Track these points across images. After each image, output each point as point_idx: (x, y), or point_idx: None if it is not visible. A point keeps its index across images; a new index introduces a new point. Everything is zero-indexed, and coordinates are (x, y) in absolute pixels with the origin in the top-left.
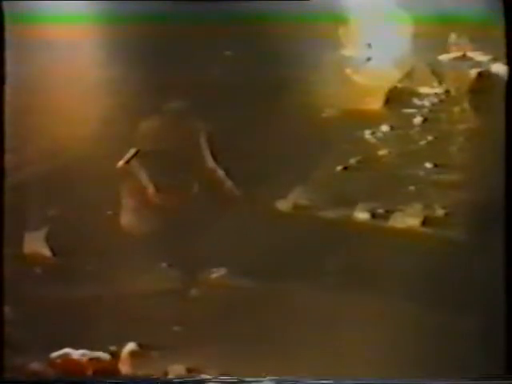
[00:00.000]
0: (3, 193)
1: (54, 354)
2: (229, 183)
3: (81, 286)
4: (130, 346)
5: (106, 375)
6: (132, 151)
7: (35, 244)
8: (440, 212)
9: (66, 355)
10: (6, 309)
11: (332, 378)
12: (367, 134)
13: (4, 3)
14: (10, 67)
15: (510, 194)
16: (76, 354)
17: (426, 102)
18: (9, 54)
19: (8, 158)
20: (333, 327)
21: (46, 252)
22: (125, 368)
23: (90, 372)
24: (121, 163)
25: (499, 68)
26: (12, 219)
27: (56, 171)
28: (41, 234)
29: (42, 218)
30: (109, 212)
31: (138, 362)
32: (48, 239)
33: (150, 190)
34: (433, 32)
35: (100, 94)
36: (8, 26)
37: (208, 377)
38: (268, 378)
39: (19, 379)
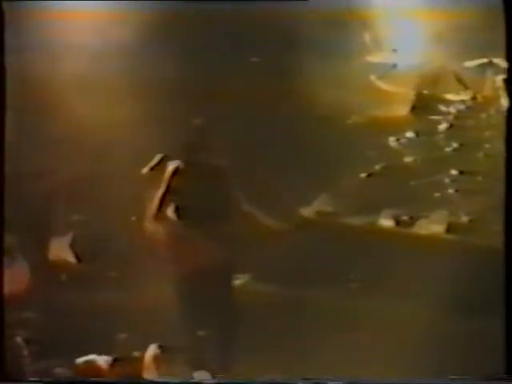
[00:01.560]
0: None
1: (79, 360)
2: (268, 221)
3: (105, 292)
4: (152, 349)
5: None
6: (157, 158)
7: (60, 250)
8: (465, 219)
9: (91, 361)
10: (32, 315)
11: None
12: (392, 140)
13: (4, 3)
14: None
15: None
16: (100, 359)
17: (452, 109)
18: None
19: (33, 164)
20: (356, 334)
21: (71, 258)
22: (149, 373)
23: (113, 377)
24: (146, 170)
25: None
26: (37, 225)
27: (81, 177)
28: (66, 240)
29: (67, 224)
30: (133, 218)
31: (162, 367)
32: (73, 245)
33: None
34: (458, 38)
35: (126, 99)
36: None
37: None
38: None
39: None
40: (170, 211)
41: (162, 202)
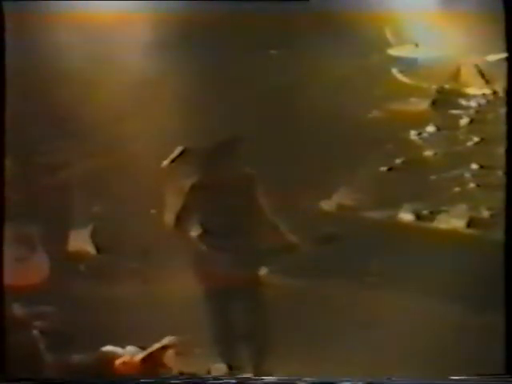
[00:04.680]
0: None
1: (97, 351)
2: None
3: (124, 282)
4: (169, 340)
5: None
6: (177, 151)
7: (80, 241)
8: (485, 213)
9: (109, 352)
10: (51, 305)
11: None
12: (413, 134)
13: (4, 3)
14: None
15: None
16: (118, 350)
17: (473, 103)
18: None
19: (54, 156)
20: (376, 326)
21: (91, 249)
22: (167, 365)
23: (131, 368)
24: (166, 162)
25: None
26: (57, 217)
27: (101, 170)
28: (86, 231)
29: (88, 215)
30: (152, 211)
31: (179, 359)
32: (93, 237)
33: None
34: (480, 32)
35: (147, 93)
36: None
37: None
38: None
39: (20, 378)
40: (193, 231)
41: (182, 217)
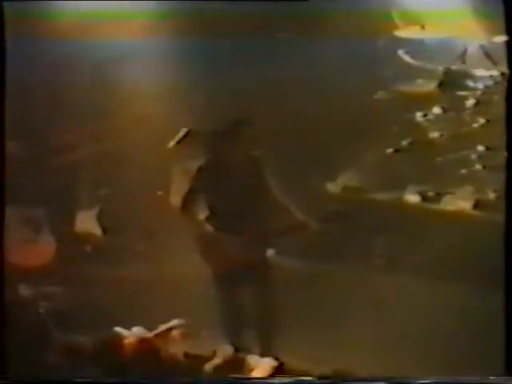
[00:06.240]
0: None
1: (103, 332)
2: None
3: (130, 265)
4: (176, 322)
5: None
6: (183, 131)
7: (87, 223)
8: (491, 195)
9: (115, 334)
10: (56, 288)
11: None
12: (419, 116)
13: (4, 3)
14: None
15: None
16: (124, 332)
17: (480, 85)
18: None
19: (61, 138)
20: (381, 308)
21: (97, 231)
22: (173, 347)
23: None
24: (172, 143)
25: None
26: (64, 198)
27: (108, 151)
28: (92, 213)
29: (94, 197)
30: (159, 192)
31: (186, 341)
32: (99, 218)
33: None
34: (487, 13)
35: (152, 74)
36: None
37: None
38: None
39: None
40: (201, 214)
41: (189, 199)
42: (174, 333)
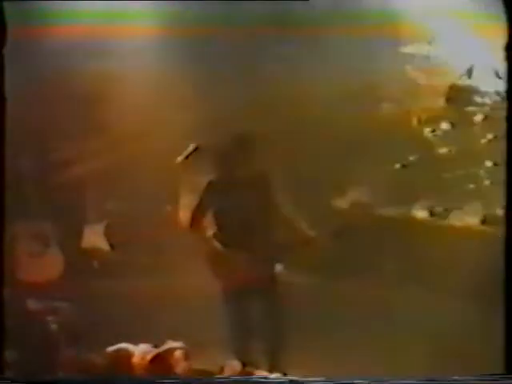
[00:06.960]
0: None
1: (110, 348)
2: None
3: (138, 279)
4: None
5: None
6: (191, 147)
7: (94, 238)
8: (500, 211)
9: (122, 349)
10: (63, 303)
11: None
12: (427, 131)
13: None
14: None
15: None
16: (131, 348)
17: (487, 100)
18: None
19: (67, 153)
20: (390, 324)
21: (105, 246)
22: (180, 363)
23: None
24: (180, 159)
25: None
26: (71, 214)
27: (116, 166)
28: (100, 228)
29: (102, 212)
30: (167, 207)
31: (193, 356)
32: (106, 233)
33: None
34: (494, 29)
35: (160, 89)
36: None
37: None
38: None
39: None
40: (209, 230)
41: (198, 215)
42: (176, 353)
